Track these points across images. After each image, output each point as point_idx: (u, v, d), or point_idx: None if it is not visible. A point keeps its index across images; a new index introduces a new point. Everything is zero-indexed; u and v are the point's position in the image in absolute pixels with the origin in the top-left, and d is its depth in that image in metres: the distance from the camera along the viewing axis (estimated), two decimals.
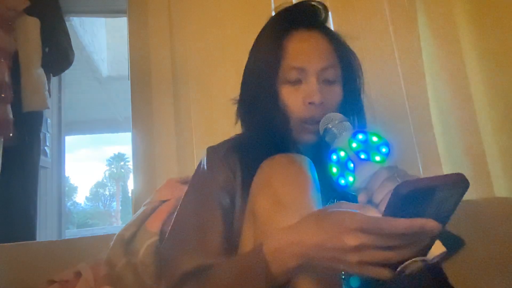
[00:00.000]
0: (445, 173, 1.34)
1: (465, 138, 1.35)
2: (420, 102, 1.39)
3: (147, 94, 1.35)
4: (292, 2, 1.42)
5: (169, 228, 0.73)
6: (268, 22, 0.80)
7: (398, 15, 1.44)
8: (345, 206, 0.51)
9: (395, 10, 1.45)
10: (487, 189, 1.31)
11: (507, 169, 1.30)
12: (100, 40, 4.29)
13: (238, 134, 0.81)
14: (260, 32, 0.80)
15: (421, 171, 1.34)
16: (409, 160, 1.34)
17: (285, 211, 0.57)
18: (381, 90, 1.38)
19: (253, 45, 0.80)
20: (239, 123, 0.82)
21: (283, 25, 0.76)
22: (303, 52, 0.73)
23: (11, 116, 1.37)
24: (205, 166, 0.75)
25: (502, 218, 1.14)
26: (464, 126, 1.36)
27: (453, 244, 0.49)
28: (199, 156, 1.30)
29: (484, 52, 1.36)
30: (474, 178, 1.30)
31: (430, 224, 0.44)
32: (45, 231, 1.72)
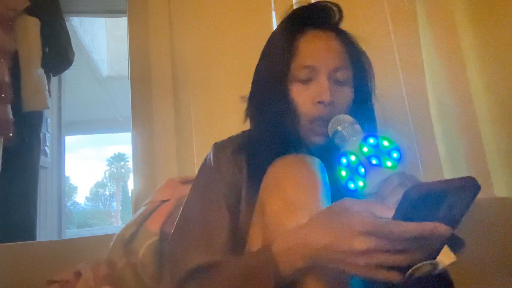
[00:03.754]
0: (445, 173, 1.34)
1: (465, 138, 1.35)
2: (420, 102, 1.39)
3: (147, 94, 1.35)
4: (292, 2, 1.42)
5: (175, 224, 0.72)
6: (282, 21, 0.79)
7: (398, 15, 1.44)
8: (349, 202, 0.50)
9: (395, 10, 1.45)
10: (487, 189, 1.31)
11: (507, 169, 1.30)
12: (100, 40, 4.28)
13: (245, 131, 0.80)
14: (274, 30, 0.80)
15: (421, 171, 1.33)
16: (409, 160, 1.34)
17: (295, 212, 0.56)
18: (381, 90, 1.38)
19: (266, 44, 0.79)
20: (241, 122, 0.81)
21: (296, 24, 0.75)
22: (314, 51, 0.72)
23: (11, 116, 1.37)
24: (212, 163, 0.74)
25: (502, 218, 1.14)
26: (464, 126, 1.36)
27: (453, 244, 0.49)
28: (199, 156, 1.30)
29: (484, 51, 1.36)
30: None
31: (440, 228, 0.43)
32: (45, 231, 1.72)
